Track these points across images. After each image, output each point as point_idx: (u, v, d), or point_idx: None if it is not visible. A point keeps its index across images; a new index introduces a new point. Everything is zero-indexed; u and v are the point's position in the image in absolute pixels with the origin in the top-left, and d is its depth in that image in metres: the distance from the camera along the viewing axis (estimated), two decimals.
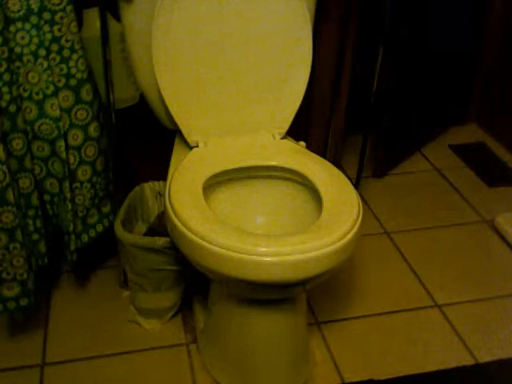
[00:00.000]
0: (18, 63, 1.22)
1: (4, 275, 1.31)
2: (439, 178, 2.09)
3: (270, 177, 1.35)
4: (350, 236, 1.10)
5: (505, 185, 2.05)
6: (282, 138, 1.40)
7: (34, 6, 1.20)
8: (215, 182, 1.30)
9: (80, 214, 1.41)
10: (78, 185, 1.38)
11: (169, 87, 1.30)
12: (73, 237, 1.40)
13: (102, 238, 1.50)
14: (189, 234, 1.11)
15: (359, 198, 1.20)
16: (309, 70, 1.37)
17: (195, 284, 1.50)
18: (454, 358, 1.43)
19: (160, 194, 1.58)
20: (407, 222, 1.87)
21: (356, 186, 1.95)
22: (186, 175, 1.26)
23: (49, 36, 1.23)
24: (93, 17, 1.38)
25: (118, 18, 1.35)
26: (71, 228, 1.38)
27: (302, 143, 1.43)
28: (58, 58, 1.26)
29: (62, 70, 1.27)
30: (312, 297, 1.57)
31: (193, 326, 1.48)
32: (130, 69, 1.41)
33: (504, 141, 2.25)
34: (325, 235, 1.07)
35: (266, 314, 1.22)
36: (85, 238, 1.45)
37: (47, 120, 1.28)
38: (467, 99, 2.34)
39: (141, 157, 1.65)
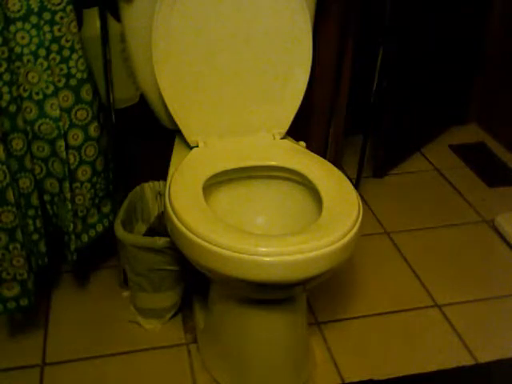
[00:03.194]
0: (18, 63, 1.22)
1: (4, 275, 1.31)
2: (439, 178, 2.09)
3: (269, 177, 1.35)
4: (350, 236, 1.10)
5: (505, 185, 2.05)
6: (281, 138, 1.40)
7: (34, 6, 1.20)
8: (215, 182, 1.30)
9: (80, 214, 1.41)
10: (78, 185, 1.38)
11: (169, 87, 1.30)
12: (73, 237, 1.40)
13: (101, 238, 1.50)
14: (189, 233, 1.10)
15: (359, 198, 1.20)
16: (309, 69, 1.37)
17: (195, 284, 1.50)
18: (453, 358, 1.43)
19: (160, 194, 1.58)
20: (407, 222, 1.87)
21: (356, 186, 1.95)
22: (186, 175, 1.26)
23: (49, 36, 1.23)
24: (93, 17, 1.38)
25: (118, 18, 1.35)
26: (71, 228, 1.38)
27: (302, 143, 1.43)
28: (58, 58, 1.26)
29: (62, 69, 1.27)
30: (312, 297, 1.57)
31: (193, 326, 1.48)
32: (130, 69, 1.41)
33: (504, 141, 2.25)
34: (325, 235, 1.07)
35: (266, 313, 1.22)
36: (85, 237, 1.45)
37: (47, 120, 1.28)
38: (467, 99, 2.34)
39: (141, 157, 1.65)
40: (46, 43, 1.23)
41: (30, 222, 1.34)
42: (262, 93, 1.38)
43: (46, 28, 1.22)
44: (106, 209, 1.49)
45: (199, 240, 1.09)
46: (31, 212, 1.34)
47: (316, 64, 1.47)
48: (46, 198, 1.38)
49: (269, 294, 1.17)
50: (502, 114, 2.25)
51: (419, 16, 1.85)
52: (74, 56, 1.28)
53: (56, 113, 1.27)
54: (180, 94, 1.32)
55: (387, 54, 1.75)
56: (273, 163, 1.32)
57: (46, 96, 1.26)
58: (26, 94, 1.25)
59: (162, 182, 1.57)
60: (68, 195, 1.35)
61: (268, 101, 1.39)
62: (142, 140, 1.64)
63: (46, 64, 1.24)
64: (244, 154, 1.34)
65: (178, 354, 1.42)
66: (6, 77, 1.20)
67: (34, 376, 1.36)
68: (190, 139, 1.37)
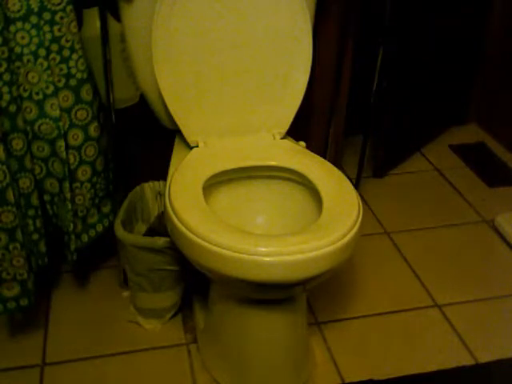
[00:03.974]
0: (18, 63, 1.22)
1: (4, 275, 1.31)
2: (439, 177, 2.09)
3: (269, 177, 1.35)
4: (349, 236, 1.10)
5: (505, 185, 2.05)
6: (281, 138, 1.40)
7: (34, 6, 1.20)
8: (215, 182, 1.30)
9: (80, 214, 1.41)
10: (78, 185, 1.38)
11: (169, 87, 1.30)
12: (73, 237, 1.40)
13: (101, 238, 1.50)
14: (189, 233, 1.10)
15: (359, 198, 1.20)
16: (309, 69, 1.37)
17: (195, 284, 1.50)
18: (453, 358, 1.43)
19: (160, 194, 1.58)
20: (407, 222, 1.87)
21: (356, 186, 1.95)
22: (186, 175, 1.26)
23: (49, 36, 1.23)
24: (93, 17, 1.38)
25: (118, 18, 1.35)
26: (71, 228, 1.38)
27: (302, 143, 1.43)
28: (57, 58, 1.26)
29: (61, 69, 1.27)
30: (312, 297, 1.57)
31: (193, 326, 1.48)
32: (130, 69, 1.41)
33: (504, 141, 2.25)
34: (325, 235, 1.07)
35: (266, 313, 1.22)
36: (85, 237, 1.45)
37: (47, 120, 1.28)
38: (467, 99, 2.34)
39: (141, 157, 1.65)
40: (46, 43, 1.23)
41: (30, 222, 1.34)
42: (262, 93, 1.38)
43: (46, 28, 1.22)
44: (106, 209, 1.49)
45: (199, 240, 1.09)
46: (31, 212, 1.34)
47: (316, 64, 1.47)
48: (46, 198, 1.38)
49: (269, 294, 1.17)
50: (502, 114, 2.25)
51: (419, 16, 1.85)
52: (74, 56, 1.28)
53: (56, 113, 1.27)
54: (180, 94, 1.32)
55: (387, 54, 1.75)
56: (273, 163, 1.32)
57: (45, 96, 1.26)
58: (26, 94, 1.25)
59: (162, 182, 1.57)
60: (68, 195, 1.35)
61: (268, 101, 1.39)
62: (142, 140, 1.64)
63: (46, 64, 1.24)
64: (244, 153, 1.34)
65: (178, 354, 1.42)
66: (6, 77, 1.20)
67: (34, 376, 1.36)
68: (190, 139, 1.37)
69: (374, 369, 1.40)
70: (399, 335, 1.49)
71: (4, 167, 1.22)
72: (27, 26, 1.20)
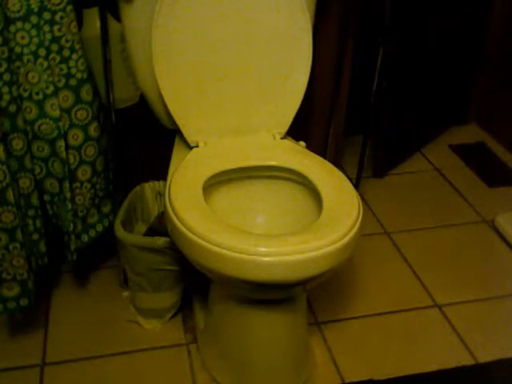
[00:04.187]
0: (18, 63, 1.22)
1: (4, 275, 1.31)
2: (439, 178, 2.09)
3: (270, 177, 1.35)
4: (350, 236, 1.10)
5: (505, 185, 2.05)
6: (282, 138, 1.40)
7: (34, 6, 1.20)
8: (215, 182, 1.30)
9: (80, 214, 1.41)
10: (78, 185, 1.38)
11: (169, 87, 1.30)
12: (73, 237, 1.40)
13: (101, 238, 1.50)
14: (189, 234, 1.10)
15: (359, 198, 1.20)
16: (309, 69, 1.37)
17: (195, 284, 1.50)
18: (453, 358, 1.43)
19: (160, 194, 1.58)
20: (407, 222, 1.87)
21: (356, 186, 1.95)
22: (186, 175, 1.26)
23: (49, 36, 1.23)
24: (93, 17, 1.38)
25: (118, 18, 1.35)
26: (71, 228, 1.38)
27: (302, 143, 1.43)
28: (57, 58, 1.26)
29: (62, 69, 1.27)
30: (312, 297, 1.57)
31: (193, 326, 1.48)
32: (130, 69, 1.41)
33: (504, 141, 2.25)
34: (325, 235, 1.07)
35: (266, 313, 1.22)
36: (85, 237, 1.45)
37: (47, 120, 1.28)
38: (467, 99, 2.34)
39: (141, 157, 1.65)
40: (46, 43, 1.23)
41: (30, 222, 1.34)
42: (262, 93, 1.38)
43: (46, 28, 1.22)
44: (106, 209, 1.49)
45: (199, 240, 1.09)
46: (31, 212, 1.34)
47: (316, 64, 1.47)
48: (46, 198, 1.38)
49: (269, 294, 1.17)
50: (502, 114, 2.25)
51: (419, 16, 1.85)
52: (74, 56, 1.28)
53: (56, 113, 1.27)
54: (180, 93, 1.32)
55: (387, 54, 1.75)
56: (273, 163, 1.32)
57: (46, 96, 1.26)
58: (26, 94, 1.25)
59: (162, 182, 1.57)
60: (68, 195, 1.35)
61: (268, 101, 1.39)
62: (142, 140, 1.64)
63: (46, 64, 1.24)
64: (244, 153, 1.34)
65: (178, 354, 1.42)
66: (6, 77, 1.20)
67: (34, 376, 1.36)
68: (190, 139, 1.37)
69: (374, 369, 1.40)
70: (399, 335, 1.49)
71: (4, 167, 1.22)
72: (27, 25, 1.20)
